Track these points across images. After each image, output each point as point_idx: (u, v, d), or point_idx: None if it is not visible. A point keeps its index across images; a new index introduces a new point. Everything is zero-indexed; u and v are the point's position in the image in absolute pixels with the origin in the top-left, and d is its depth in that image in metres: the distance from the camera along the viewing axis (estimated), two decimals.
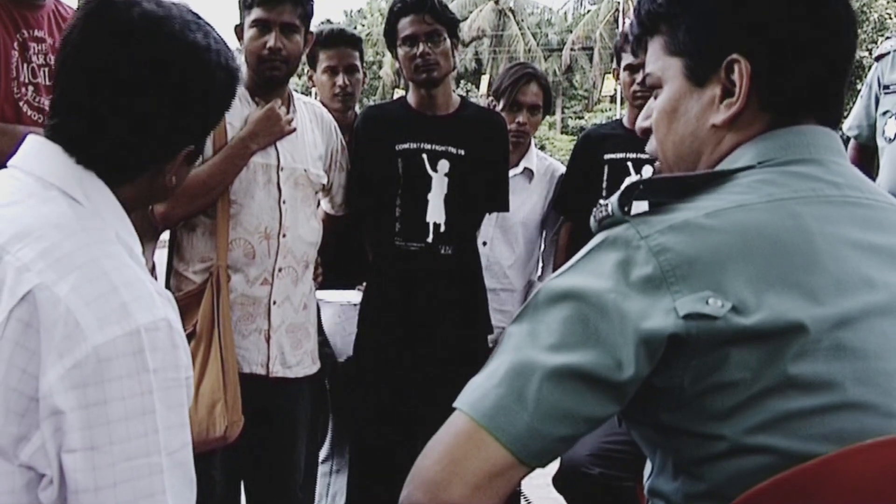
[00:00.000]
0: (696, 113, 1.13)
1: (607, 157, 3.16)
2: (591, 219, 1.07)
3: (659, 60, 1.16)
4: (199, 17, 1.24)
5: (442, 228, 2.87)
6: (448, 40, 2.86)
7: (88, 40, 1.17)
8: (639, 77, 3.08)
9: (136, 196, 1.25)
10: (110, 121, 1.17)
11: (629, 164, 3.13)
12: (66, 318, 1.05)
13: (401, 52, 2.88)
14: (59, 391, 1.04)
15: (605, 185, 3.15)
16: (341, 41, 3.30)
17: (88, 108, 1.17)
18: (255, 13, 2.57)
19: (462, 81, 37.46)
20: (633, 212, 1.03)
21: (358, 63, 3.37)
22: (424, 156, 2.88)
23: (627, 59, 3.12)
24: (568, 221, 3.33)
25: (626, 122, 3.26)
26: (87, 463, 1.05)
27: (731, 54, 1.08)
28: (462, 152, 2.89)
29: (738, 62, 1.07)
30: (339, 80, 3.28)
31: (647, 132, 1.21)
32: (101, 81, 1.16)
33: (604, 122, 3.50)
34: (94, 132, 1.18)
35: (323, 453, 3.39)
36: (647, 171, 3.09)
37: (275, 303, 2.59)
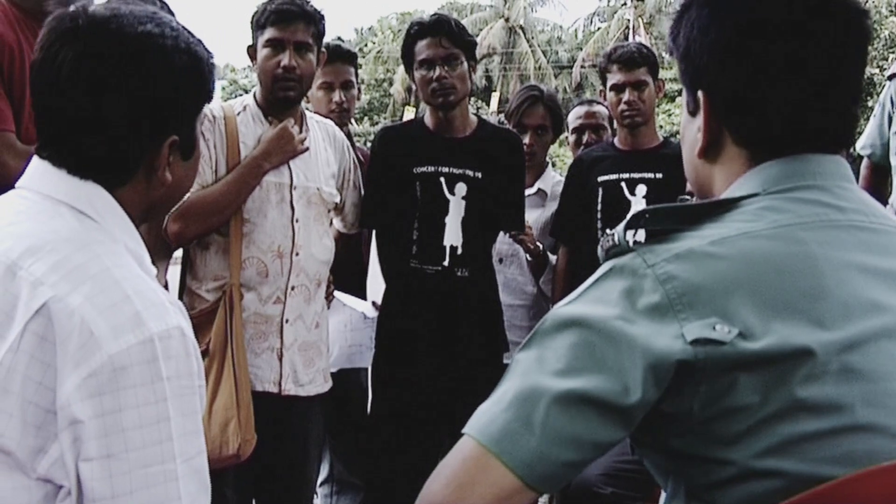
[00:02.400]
0: (690, 142, 1.18)
1: (601, 179, 3.17)
2: (599, 248, 1.08)
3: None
4: (154, 13, 1.25)
5: (459, 251, 2.87)
6: (465, 63, 2.86)
7: (45, 56, 1.21)
8: (625, 96, 3.10)
9: (138, 200, 1.27)
10: (83, 126, 1.20)
11: (623, 184, 3.13)
12: (81, 328, 1.07)
13: (417, 74, 2.89)
14: (76, 400, 1.06)
15: (599, 206, 3.15)
16: (337, 57, 3.27)
17: (62, 123, 1.21)
18: (269, 32, 2.60)
19: (472, 98, 37.47)
20: (633, 239, 1.04)
21: (353, 79, 3.37)
22: (442, 179, 2.89)
23: (613, 78, 3.15)
24: (565, 246, 3.32)
25: (617, 142, 3.27)
26: (104, 471, 1.07)
27: (699, 90, 1.13)
28: (479, 175, 2.90)
29: (701, 98, 1.12)
30: (336, 96, 3.29)
31: None
32: (65, 93, 1.19)
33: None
34: (72, 141, 1.21)
35: (322, 475, 3.39)
36: (642, 190, 3.10)
37: (287, 321, 2.60)
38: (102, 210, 1.21)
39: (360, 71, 3.47)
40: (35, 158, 1.24)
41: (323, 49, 2.74)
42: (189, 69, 1.27)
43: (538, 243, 3.28)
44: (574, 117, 3.78)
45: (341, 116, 3.29)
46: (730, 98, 1.10)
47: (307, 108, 2.86)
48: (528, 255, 3.32)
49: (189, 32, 1.28)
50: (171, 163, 1.28)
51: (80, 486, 1.07)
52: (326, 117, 3.21)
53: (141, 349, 1.09)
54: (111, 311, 1.09)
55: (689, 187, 1.27)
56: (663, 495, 1.11)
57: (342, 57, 3.33)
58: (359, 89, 3.46)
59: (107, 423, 1.07)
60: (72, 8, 1.22)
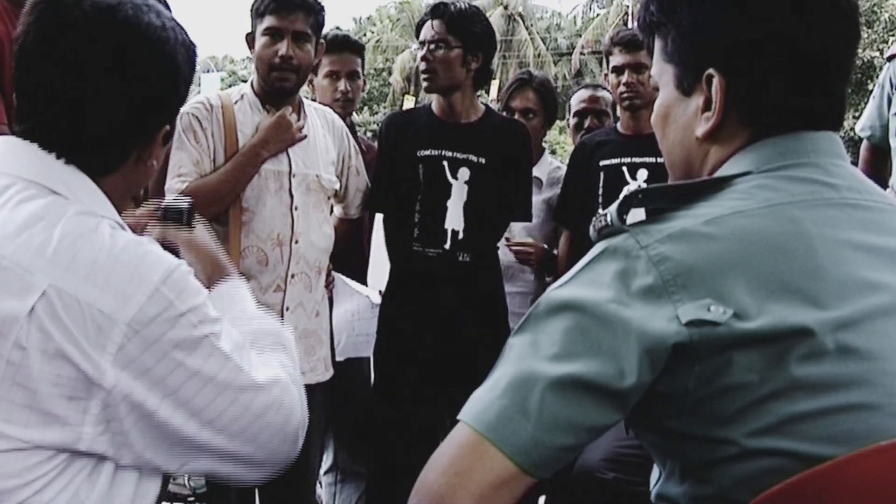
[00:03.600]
0: (684, 122, 1.15)
1: (602, 163, 3.16)
2: (591, 228, 1.07)
3: (657, 64, 1.19)
4: (147, 1, 1.24)
5: (460, 235, 2.89)
6: (458, 50, 2.87)
7: (46, 42, 1.17)
8: (624, 78, 3.10)
9: (124, 185, 1.27)
10: (86, 117, 1.18)
11: (624, 168, 3.12)
12: (89, 311, 1.08)
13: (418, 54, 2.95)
14: (118, 374, 1.09)
15: (601, 191, 3.14)
16: (345, 47, 3.31)
17: (61, 109, 1.18)
18: (268, 21, 2.60)
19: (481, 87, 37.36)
20: (629, 219, 1.03)
21: (359, 70, 3.38)
22: (445, 163, 2.90)
23: (615, 60, 3.15)
24: (567, 231, 3.33)
25: (620, 127, 3.27)
26: (176, 402, 1.13)
27: (708, 68, 1.09)
28: (483, 161, 2.91)
29: (714, 77, 1.09)
30: (341, 85, 3.30)
31: None
32: (68, 80, 1.17)
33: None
34: (72, 132, 1.19)
35: (326, 464, 3.39)
36: (643, 175, 3.10)
37: (287, 309, 2.60)
38: (76, 188, 1.19)
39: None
40: (8, 138, 1.22)
41: (322, 40, 2.74)
42: (186, 62, 1.26)
43: (542, 246, 3.29)
44: (577, 101, 3.75)
45: (345, 106, 3.30)
46: (749, 77, 1.07)
47: (305, 97, 2.86)
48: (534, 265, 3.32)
49: (178, 22, 1.27)
50: (158, 149, 1.29)
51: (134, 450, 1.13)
52: (330, 106, 3.22)
53: (152, 302, 1.11)
54: (109, 280, 1.10)
55: None
56: (654, 473, 1.11)
57: (350, 47, 3.35)
58: (364, 80, 3.47)
59: (157, 373, 1.11)
60: None
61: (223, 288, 1.45)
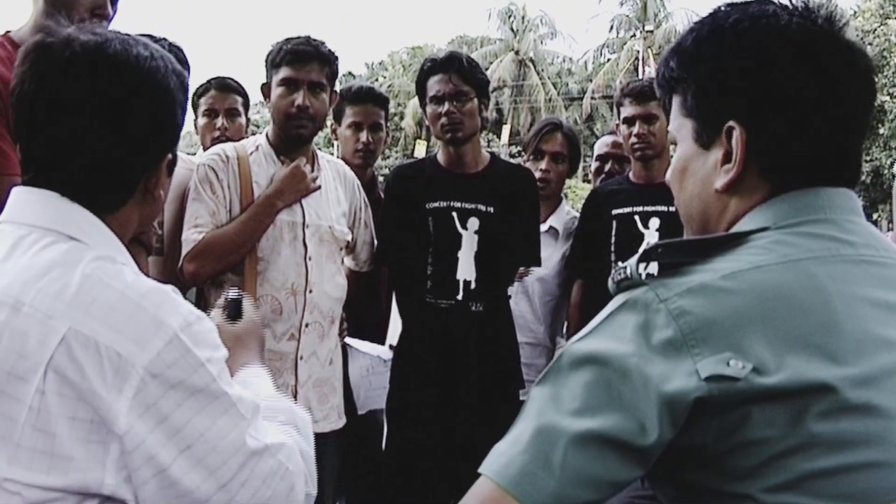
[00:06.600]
0: (702, 176, 1.16)
1: (615, 212, 3.18)
2: (610, 281, 1.08)
3: (676, 119, 1.20)
4: (131, 35, 1.27)
5: (472, 285, 2.89)
6: (475, 100, 2.90)
7: (42, 86, 1.20)
8: (636, 129, 3.12)
9: (133, 219, 1.29)
10: (88, 154, 1.20)
11: (636, 217, 3.14)
12: (107, 354, 1.09)
13: (429, 109, 2.95)
14: (134, 421, 1.09)
15: (613, 240, 3.16)
16: (369, 99, 3.34)
17: (64, 149, 1.20)
18: (284, 72, 2.64)
19: (483, 131, 37.58)
20: (646, 272, 1.04)
21: (383, 122, 3.40)
22: (454, 214, 2.91)
23: (625, 112, 3.17)
24: (580, 279, 3.32)
25: (632, 176, 3.28)
26: (191, 460, 1.13)
27: (728, 121, 1.10)
28: (491, 209, 2.92)
29: (735, 129, 1.10)
30: (363, 136, 3.31)
31: None
32: (67, 119, 1.19)
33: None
34: (76, 171, 1.21)
35: None
36: (655, 223, 3.10)
37: (301, 358, 2.61)
38: (90, 232, 1.21)
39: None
40: (16, 190, 1.24)
41: (335, 90, 2.78)
42: (179, 89, 1.29)
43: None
44: (601, 144, 3.80)
45: (366, 157, 3.32)
46: (768, 130, 1.08)
47: (328, 149, 2.89)
48: None
49: (164, 52, 1.30)
50: (163, 179, 1.31)
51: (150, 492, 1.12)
52: (352, 157, 3.24)
53: (171, 348, 1.12)
54: (128, 325, 1.11)
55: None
56: None
57: (374, 100, 3.37)
58: (387, 132, 3.50)
59: (172, 424, 1.11)
60: (51, 38, 1.21)
61: (245, 371, 1.46)
